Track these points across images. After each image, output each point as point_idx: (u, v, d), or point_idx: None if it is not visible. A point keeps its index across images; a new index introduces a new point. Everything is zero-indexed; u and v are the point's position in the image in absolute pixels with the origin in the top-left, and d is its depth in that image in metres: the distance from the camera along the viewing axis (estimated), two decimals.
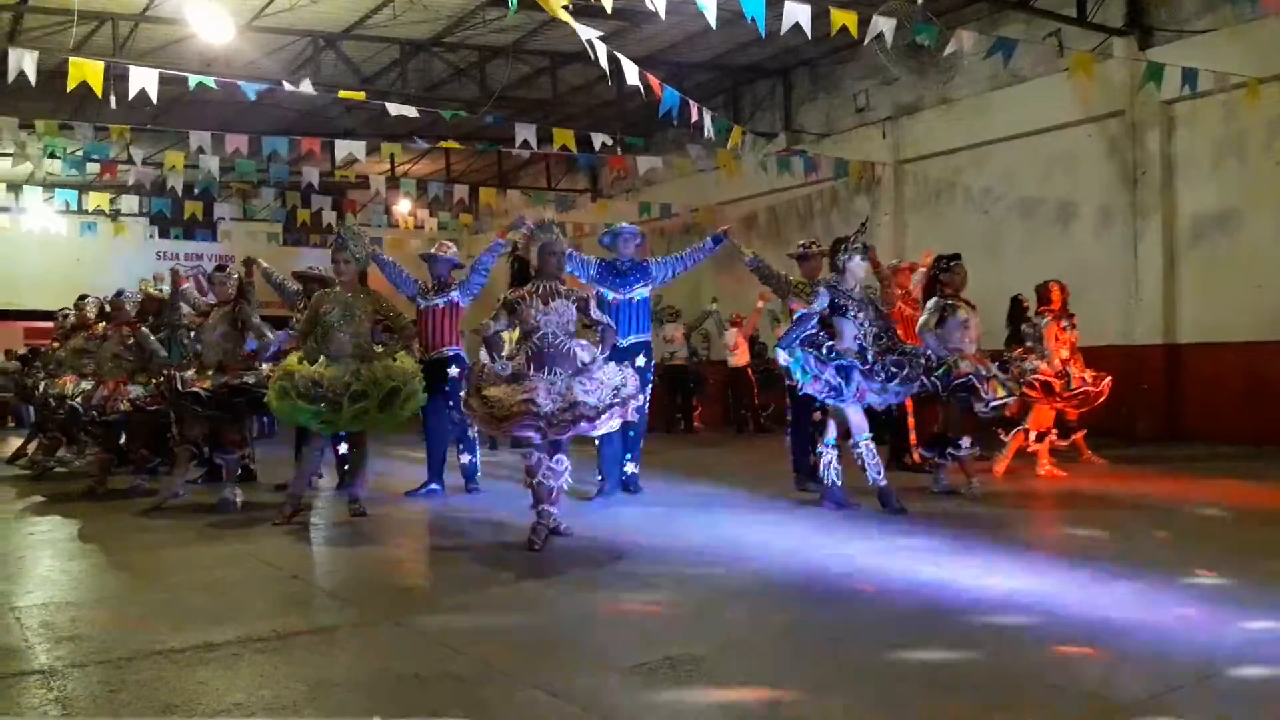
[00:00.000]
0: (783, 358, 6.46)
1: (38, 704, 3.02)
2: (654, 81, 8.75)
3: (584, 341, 5.79)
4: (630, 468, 7.60)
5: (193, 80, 9.83)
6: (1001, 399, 7.02)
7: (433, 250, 8.12)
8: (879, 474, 6.48)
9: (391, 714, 2.85)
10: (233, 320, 7.35)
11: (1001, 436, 8.34)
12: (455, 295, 7.86)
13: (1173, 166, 11.46)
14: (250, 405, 7.26)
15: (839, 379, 6.27)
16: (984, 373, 7.03)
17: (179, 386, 7.09)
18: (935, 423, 7.55)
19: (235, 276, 7.57)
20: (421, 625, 3.95)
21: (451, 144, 14.48)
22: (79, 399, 8.47)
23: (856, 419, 6.45)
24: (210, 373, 7.18)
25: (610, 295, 7.34)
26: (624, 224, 7.82)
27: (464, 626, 3.91)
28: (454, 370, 7.70)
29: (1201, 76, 10.13)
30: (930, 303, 7.26)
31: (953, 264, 7.29)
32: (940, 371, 6.93)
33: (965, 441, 7.05)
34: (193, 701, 2.99)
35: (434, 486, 7.80)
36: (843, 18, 8.56)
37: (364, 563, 5.45)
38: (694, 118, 9.76)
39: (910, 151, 14.27)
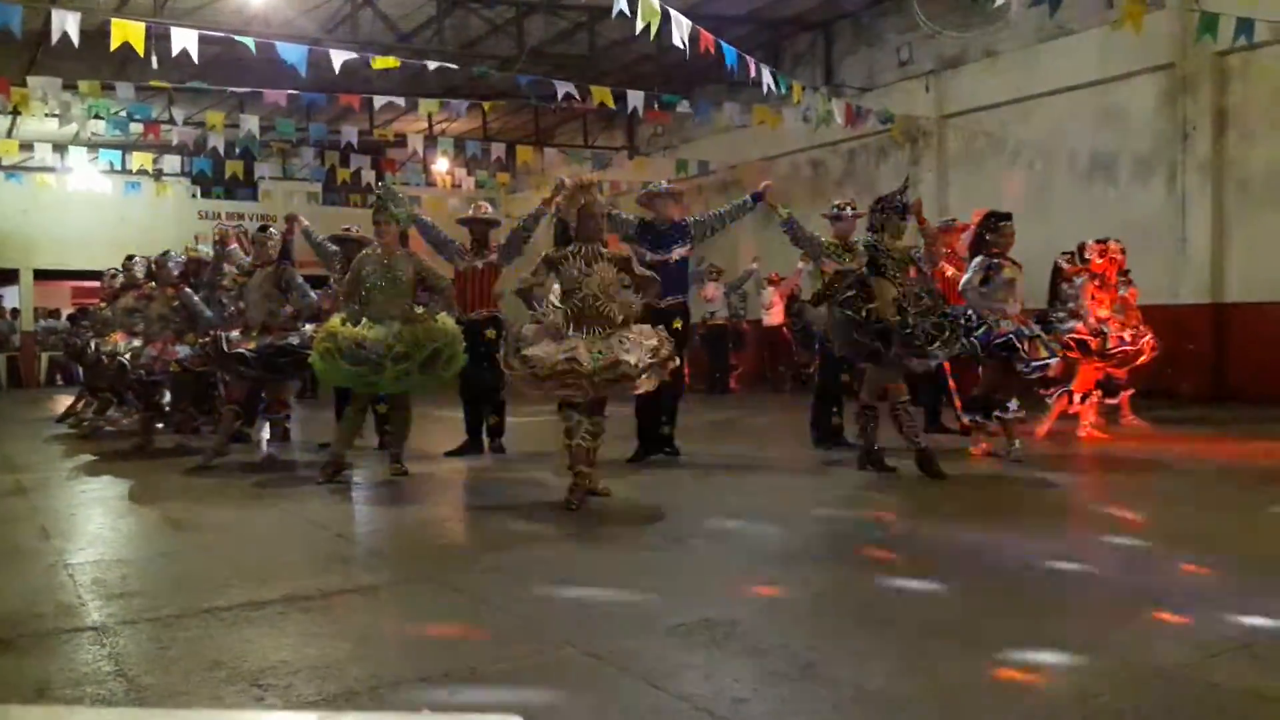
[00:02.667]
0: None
1: (91, 659, 3.11)
2: (707, 37, 8.67)
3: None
4: (666, 429, 7.61)
5: (245, 40, 9.86)
6: (1043, 359, 6.94)
7: (470, 213, 8.12)
8: (917, 437, 6.44)
9: (430, 674, 2.91)
10: (276, 281, 7.43)
11: (1045, 399, 8.26)
12: (494, 258, 7.89)
13: (1225, 121, 11.18)
14: (295, 366, 7.36)
15: (877, 342, 6.22)
16: (1026, 333, 6.94)
17: (224, 347, 7.20)
18: (976, 384, 7.49)
19: (277, 237, 7.64)
20: (461, 584, 4.01)
21: (494, 104, 14.38)
22: (127, 356, 8.65)
23: (893, 382, 6.41)
24: (255, 333, 7.28)
25: (649, 256, 7.31)
26: (662, 183, 7.77)
27: (502, 586, 3.96)
28: (491, 332, 7.74)
29: (1257, 27, 9.82)
30: (975, 261, 7.16)
31: (1001, 223, 7.16)
32: (980, 331, 6.85)
33: (1013, 404, 6.97)
34: (239, 658, 3.06)
35: (473, 447, 7.89)
36: None
37: (405, 522, 5.53)
38: (752, 74, 9.72)
39: (954, 106, 14.02)
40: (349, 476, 6.85)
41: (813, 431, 7.95)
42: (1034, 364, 6.94)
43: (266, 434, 7.88)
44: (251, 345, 7.22)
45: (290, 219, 8.17)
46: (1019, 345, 6.85)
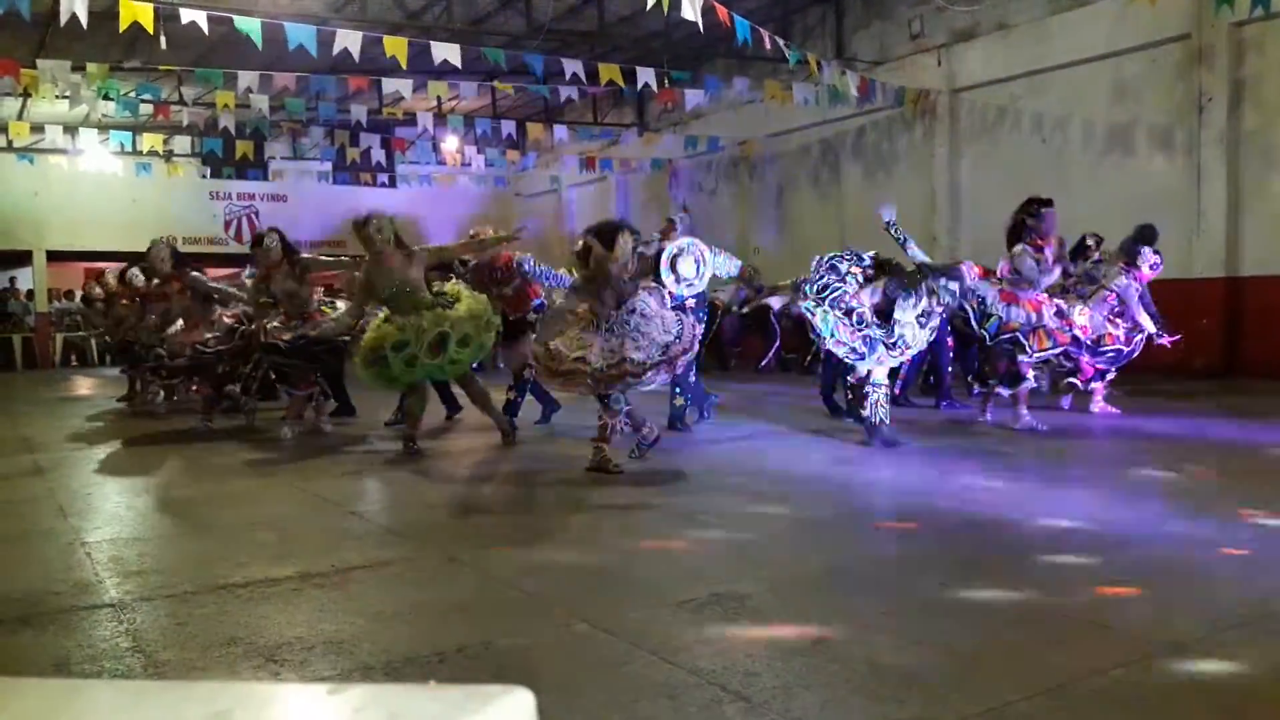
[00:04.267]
0: (816, 317, 6.51)
1: (109, 635, 3.15)
2: (721, 11, 8.62)
3: (653, 289, 5.97)
4: (679, 400, 7.64)
5: (251, 26, 9.83)
6: (1046, 350, 7.08)
7: (473, 232, 8.12)
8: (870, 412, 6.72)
9: (444, 649, 2.93)
10: (294, 275, 7.67)
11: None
12: (518, 282, 7.96)
13: (1241, 92, 11.04)
14: (331, 354, 7.84)
15: (863, 347, 6.40)
16: (1034, 322, 6.99)
17: (262, 338, 7.58)
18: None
19: (275, 242, 7.71)
20: (474, 560, 4.04)
21: (504, 86, 14.30)
22: (163, 344, 8.87)
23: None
24: (294, 323, 7.60)
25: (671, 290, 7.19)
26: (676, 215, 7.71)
27: (515, 561, 3.98)
28: (535, 316, 7.97)
29: None
30: (1016, 249, 7.12)
31: (1042, 210, 7.08)
32: (991, 323, 7.01)
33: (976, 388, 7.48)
34: (255, 634, 3.09)
35: (549, 411, 8.33)
36: None
37: (419, 499, 5.56)
38: (767, 47, 9.68)
39: (966, 79, 13.89)
40: (361, 451, 6.90)
41: (826, 404, 8.25)
42: (1036, 355, 7.11)
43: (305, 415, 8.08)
44: (287, 336, 7.52)
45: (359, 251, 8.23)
46: (1023, 340, 7.02)
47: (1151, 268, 7.84)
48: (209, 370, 8.61)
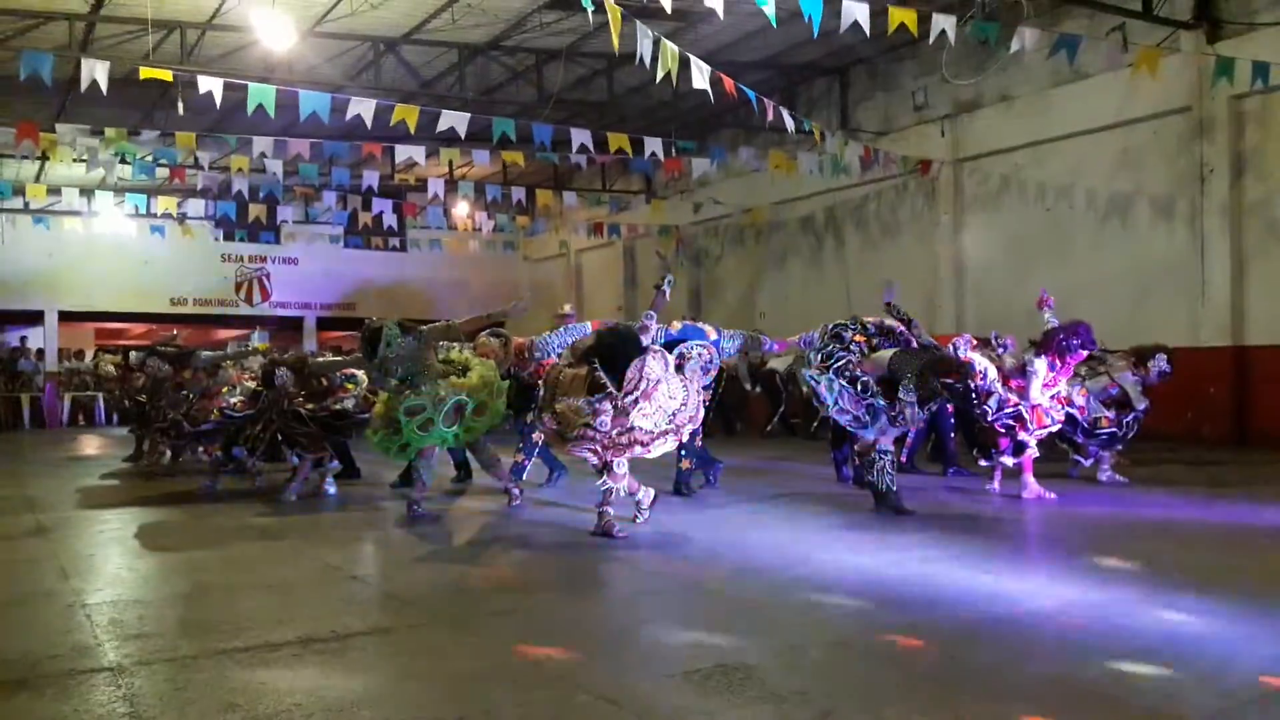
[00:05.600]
0: (822, 385, 6.61)
1: (106, 700, 3.11)
2: (728, 82, 8.78)
3: (659, 353, 5.97)
4: (684, 464, 7.63)
5: (252, 101, 10.02)
6: (1045, 427, 7.24)
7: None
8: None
9: (445, 718, 2.89)
10: (306, 381, 7.96)
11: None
12: (533, 367, 7.90)
13: (1242, 164, 11.15)
14: (352, 427, 8.10)
15: (867, 416, 6.47)
16: (1031, 402, 7.18)
17: (285, 405, 7.76)
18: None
19: (287, 377, 7.80)
20: (477, 627, 4.00)
21: (514, 157, 14.49)
22: (177, 407, 9.01)
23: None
24: (314, 399, 7.93)
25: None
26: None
27: (519, 628, 3.94)
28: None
29: (1273, 71, 9.86)
30: (1039, 363, 7.16)
31: (1081, 348, 7.19)
32: (991, 399, 7.15)
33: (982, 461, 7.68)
34: (254, 701, 3.06)
35: (556, 475, 8.33)
36: (901, 15, 8.50)
37: (420, 564, 5.52)
38: (770, 118, 9.85)
39: (970, 149, 14.06)
40: (365, 517, 6.88)
41: (838, 473, 8.25)
42: (1036, 431, 7.23)
43: (304, 475, 8.02)
44: (310, 406, 7.78)
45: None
46: (1025, 416, 7.15)
47: (1159, 374, 8.08)
48: (223, 432, 8.64)
